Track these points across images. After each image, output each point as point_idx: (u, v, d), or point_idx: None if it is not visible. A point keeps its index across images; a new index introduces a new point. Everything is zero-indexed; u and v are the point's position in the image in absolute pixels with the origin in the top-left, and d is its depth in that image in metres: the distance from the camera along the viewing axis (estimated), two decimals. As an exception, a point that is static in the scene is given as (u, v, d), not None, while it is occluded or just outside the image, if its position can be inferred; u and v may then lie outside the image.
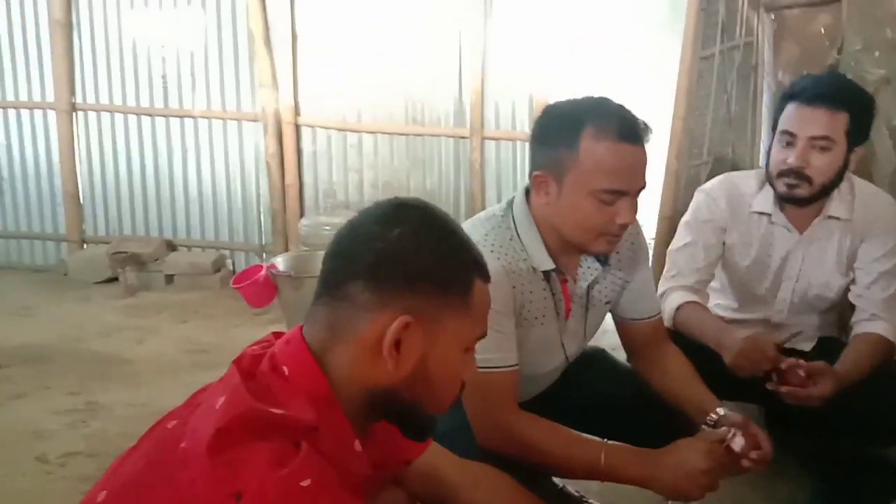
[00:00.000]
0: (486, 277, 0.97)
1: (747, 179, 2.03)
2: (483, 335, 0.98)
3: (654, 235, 2.80)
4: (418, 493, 1.19)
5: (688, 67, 2.56)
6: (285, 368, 0.86)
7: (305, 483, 0.74)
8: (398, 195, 1.25)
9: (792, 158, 1.80)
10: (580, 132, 1.34)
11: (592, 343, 1.84)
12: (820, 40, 3.00)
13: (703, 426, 1.48)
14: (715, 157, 2.95)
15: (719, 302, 2.17)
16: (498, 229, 1.46)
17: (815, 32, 3.06)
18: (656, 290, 1.74)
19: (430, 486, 1.18)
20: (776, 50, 3.42)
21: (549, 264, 1.46)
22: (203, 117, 4.16)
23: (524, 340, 1.48)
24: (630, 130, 1.34)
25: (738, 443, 1.37)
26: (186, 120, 4.19)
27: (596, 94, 1.43)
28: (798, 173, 1.81)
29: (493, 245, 1.43)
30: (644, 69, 4.23)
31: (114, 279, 4.15)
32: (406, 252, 0.89)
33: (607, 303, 1.62)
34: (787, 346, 2.08)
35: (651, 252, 2.82)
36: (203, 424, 0.80)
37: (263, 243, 4.25)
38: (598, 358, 1.82)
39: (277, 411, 0.81)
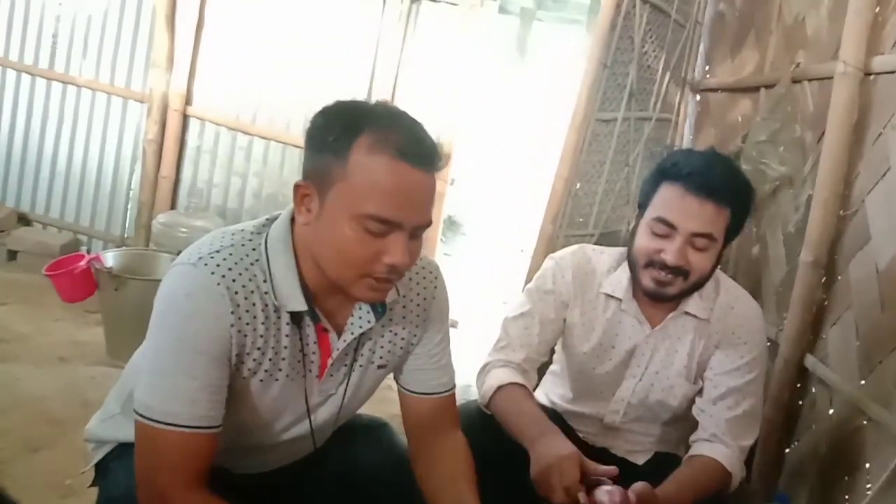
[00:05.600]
0: None
1: (602, 256, 1.76)
2: None
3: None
4: None
5: (578, 124, 2.27)
6: None
7: None
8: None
9: (670, 255, 1.54)
10: (354, 139, 1.04)
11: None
12: (736, 128, 2.82)
13: None
14: (603, 231, 2.66)
15: (555, 389, 1.88)
16: (239, 247, 1.12)
17: (733, 119, 2.88)
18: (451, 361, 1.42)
19: None
20: (696, 132, 3.24)
21: (299, 304, 1.13)
22: (87, 87, 3.78)
23: (244, 397, 1.15)
24: (416, 148, 1.05)
25: None
26: (69, 87, 3.81)
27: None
28: (674, 269, 1.55)
29: (220, 263, 1.08)
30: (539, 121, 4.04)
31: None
32: None
33: (381, 366, 1.30)
34: (619, 456, 1.80)
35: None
36: None
37: (126, 235, 3.83)
38: (374, 434, 1.47)
39: None
